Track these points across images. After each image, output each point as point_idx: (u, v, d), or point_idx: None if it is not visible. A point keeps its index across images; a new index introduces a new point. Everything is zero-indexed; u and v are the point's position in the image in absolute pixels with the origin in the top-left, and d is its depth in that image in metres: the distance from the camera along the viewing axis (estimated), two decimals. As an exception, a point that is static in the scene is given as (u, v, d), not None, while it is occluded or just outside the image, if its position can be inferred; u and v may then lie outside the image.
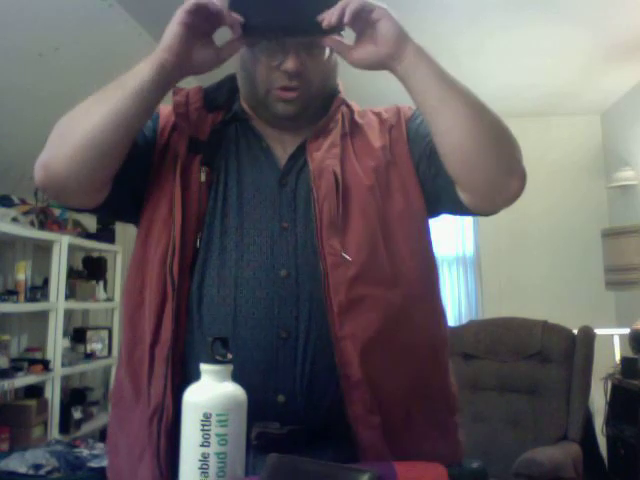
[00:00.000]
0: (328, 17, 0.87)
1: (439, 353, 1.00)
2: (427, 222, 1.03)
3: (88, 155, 0.90)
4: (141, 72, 0.90)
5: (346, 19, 0.86)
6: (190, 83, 1.03)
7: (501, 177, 0.92)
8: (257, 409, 0.79)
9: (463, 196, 0.95)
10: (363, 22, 0.88)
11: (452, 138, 0.90)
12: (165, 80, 0.91)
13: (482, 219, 4.34)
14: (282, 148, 1.02)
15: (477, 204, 0.96)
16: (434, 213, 1.05)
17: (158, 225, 0.96)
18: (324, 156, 0.98)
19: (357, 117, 1.06)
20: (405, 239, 0.97)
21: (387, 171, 1.00)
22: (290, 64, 0.93)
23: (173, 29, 0.89)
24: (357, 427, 0.89)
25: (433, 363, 0.99)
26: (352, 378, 0.89)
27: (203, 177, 0.97)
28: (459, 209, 0.99)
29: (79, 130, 0.90)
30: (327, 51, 0.97)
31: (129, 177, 0.96)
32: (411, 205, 1.00)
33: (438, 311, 1.02)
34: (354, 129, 1.04)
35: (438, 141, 0.92)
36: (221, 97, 1.04)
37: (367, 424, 0.89)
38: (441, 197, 1.00)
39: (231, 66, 1.02)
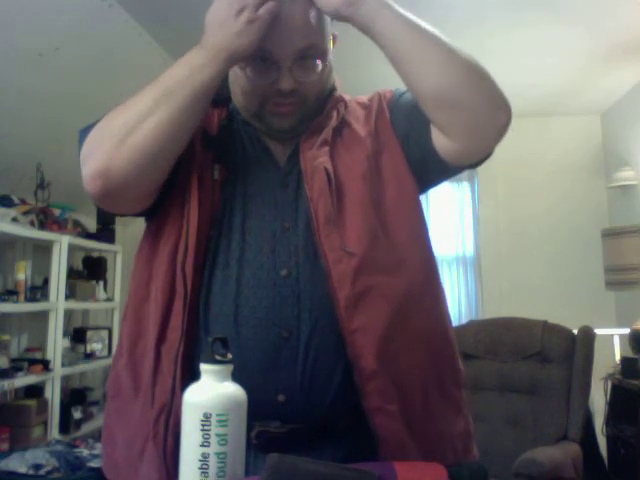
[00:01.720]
0: None
1: (447, 332, 1.01)
2: (421, 207, 1.03)
3: (152, 157, 0.88)
4: (206, 68, 0.89)
5: None
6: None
7: (486, 109, 0.90)
8: (258, 409, 0.79)
9: (448, 146, 0.93)
10: None
11: (429, 81, 0.89)
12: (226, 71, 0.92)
13: (482, 219, 4.34)
14: (281, 148, 1.02)
15: (463, 149, 0.94)
16: (426, 186, 1.05)
17: (169, 220, 0.96)
18: (315, 154, 0.98)
19: (343, 109, 1.05)
20: (403, 225, 0.98)
21: (377, 158, 1.00)
22: (284, 84, 0.93)
23: (248, 30, 0.88)
24: (375, 418, 0.90)
25: (443, 342, 1.00)
26: (367, 370, 0.89)
27: (216, 175, 0.97)
28: (445, 168, 0.98)
29: (141, 131, 0.87)
30: (319, 64, 0.96)
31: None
32: (405, 191, 1.00)
33: (440, 291, 1.03)
34: (342, 123, 1.03)
35: (416, 89, 0.92)
36: (223, 92, 1.03)
37: (385, 414, 0.90)
38: (424, 160, 0.98)
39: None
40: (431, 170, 1.01)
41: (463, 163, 0.97)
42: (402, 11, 0.91)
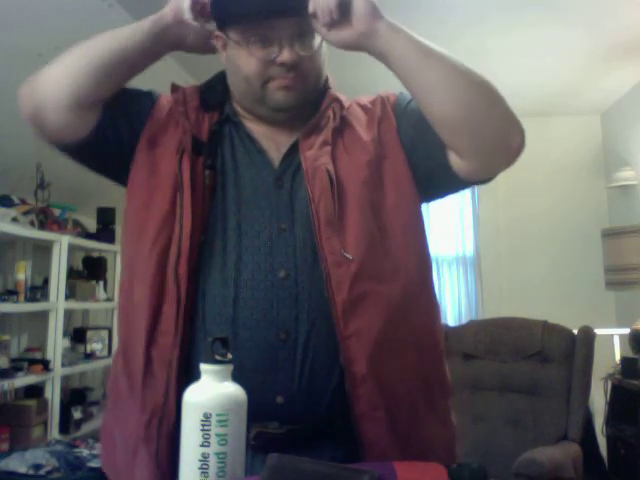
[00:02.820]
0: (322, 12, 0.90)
1: (438, 341, 1.01)
2: (421, 214, 1.03)
3: (83, 70, 0.98)
4: (141, 25, 0.99)
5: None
6: (187, 81, 1.04)
7: (500, 134, 0.92)
8: (256, 410, 0.79)
9: (462, 164, 0.95)
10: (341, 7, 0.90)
11: (444, 107, 0.90)
12: (162, 38, 0.99)
13: (482, 219, 4.34)
14: (276, 148, 1.01)
15: (476, 169, 0.95)
16: (430, 196, 1.06)
17: (155, 223, 0.95)
18: (317, 154, 0.98)
19: (345, 111, 1.05)
20: (401, 232, 0.98)
21: (379, 164, 1.00)
22: (286, 56, 0.93)
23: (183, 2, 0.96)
24: (362, 423, 0.90)
25: (433, 352, 1.00)
26: (358, 375, 0.89)
27: (207, 180, 0.97)
28: (456, 183, 0.99)
29: (78, 53, 1.03)
30: (318, 42, 0.97)
31: (118, 122, 0.99)
32: (404, 197, 1.00)
33: (433, 300, 1.03)
34: (343, 124, 1.03)
35: (431, 112, 0.92)
36: (215, 96, 1.04)
37: (372, 420, 0.90)
38: (435, 174, 0.99)
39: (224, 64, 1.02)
40: (439, 182, 1.02)
41: (474, 179, 0.98)
42: (416, 37, 0.91)
